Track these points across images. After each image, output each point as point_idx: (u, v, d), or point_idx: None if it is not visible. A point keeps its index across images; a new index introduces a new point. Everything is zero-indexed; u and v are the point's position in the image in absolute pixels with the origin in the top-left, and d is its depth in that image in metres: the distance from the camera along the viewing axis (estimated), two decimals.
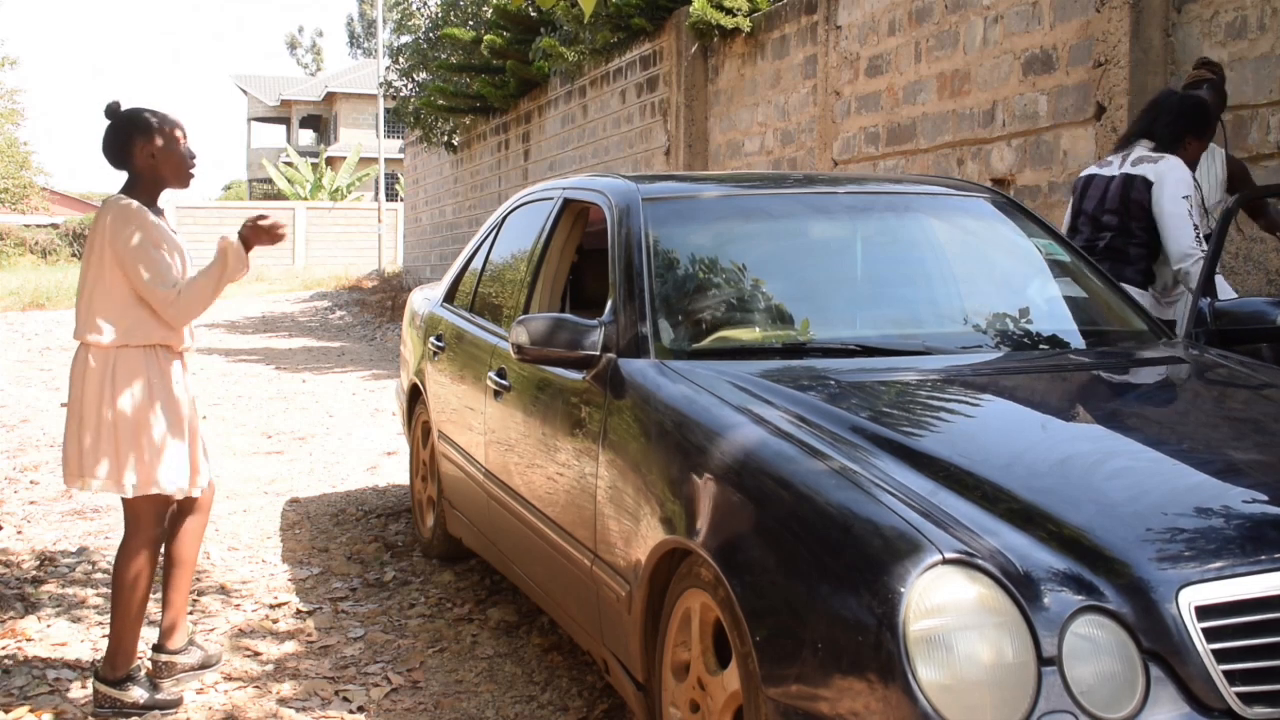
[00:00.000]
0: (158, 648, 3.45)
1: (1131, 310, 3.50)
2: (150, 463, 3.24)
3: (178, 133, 3.30)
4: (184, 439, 3.31)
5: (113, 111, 3.31)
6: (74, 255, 32.77)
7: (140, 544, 3.29)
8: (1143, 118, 4.46)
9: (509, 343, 3.26)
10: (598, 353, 3.07)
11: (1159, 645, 1.89)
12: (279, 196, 35.49)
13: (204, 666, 3.50)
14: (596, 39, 11.80)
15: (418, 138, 19.57)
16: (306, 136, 49.39)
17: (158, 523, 3.33)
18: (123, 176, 3.33)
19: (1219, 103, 4.63)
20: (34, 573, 4.61)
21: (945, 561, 1.92)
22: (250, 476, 6.52)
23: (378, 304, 19.67)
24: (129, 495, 3.24)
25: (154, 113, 3.31)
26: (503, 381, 3.72)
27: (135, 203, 3.25)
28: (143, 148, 3.25)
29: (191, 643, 3.52)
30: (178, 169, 3.31)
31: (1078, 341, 3.34)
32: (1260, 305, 3.91)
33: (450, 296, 4.91)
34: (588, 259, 4.45)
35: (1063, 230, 4.37)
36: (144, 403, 3.23)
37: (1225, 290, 4.37)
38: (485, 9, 15.56)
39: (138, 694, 3.28)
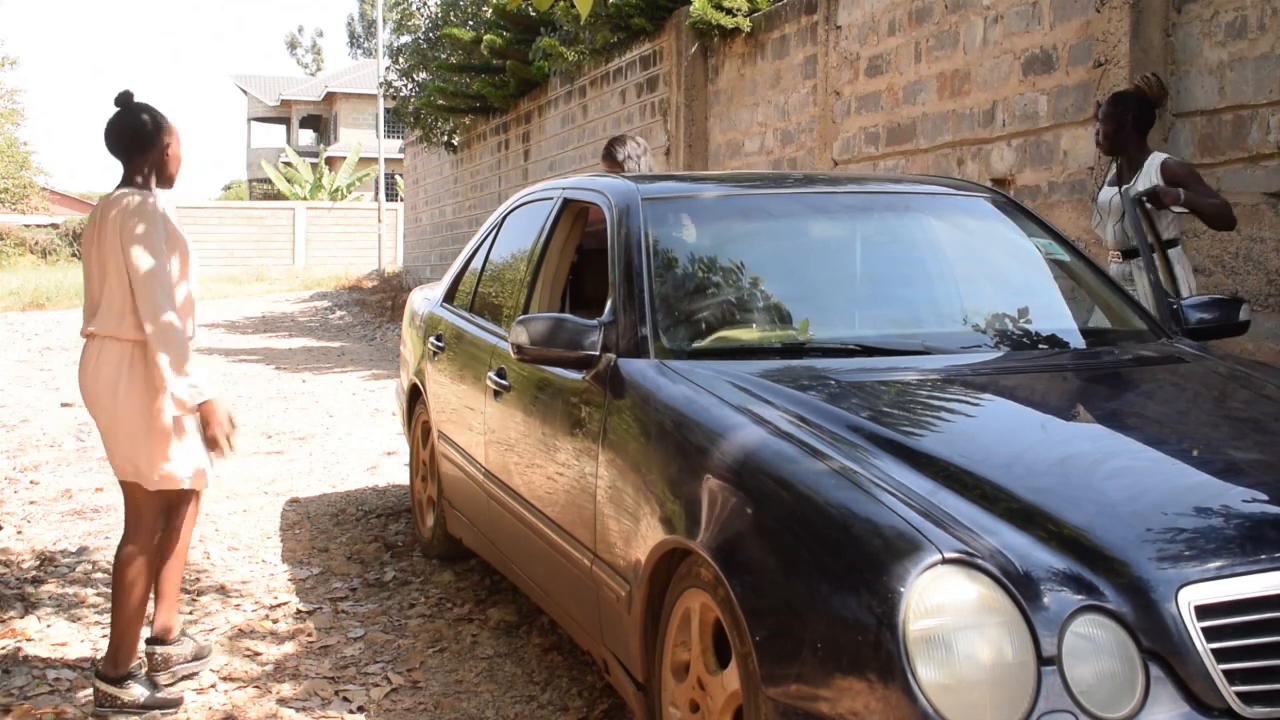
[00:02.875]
0: (152, 640, 3.46)
1: (1131, 310, 3.50)
2: (173, 456, 3.28)
3: (180, 134, 3.40)
4: (194, 431, 3.33)
5: (126, 101, 3.33)
6: (74, 255, 32.73)
7: (144, 540, 3.31)
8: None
9: (509, 343, 3.26)
10: (597, 353, 3.07)
11: (1159, 645, 1.89)
12: (279, 196, 35.46)
13: (198, 658, 3.51)
14: (596, 39, 11.80)
15: (418, 138, 19.57)
16: (306, 136, 49.38)
17: (160, 518, 3.34)
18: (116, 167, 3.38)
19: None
20: (34, 573, 4.61)
21: (945, 561, 1.92)
22: (250, 476, 6.52)
23: (378, 304, 19.66)
24: (154, 488, 3.27)
25: (163, 112, 3.38)
26: (503, 381, 3.72)
27: (154, 196, 3.28)
28: (161, 144, 3.32)
29: (183, 633, 3.54)
30: (174, 171, 3.38)
31: (1077, 341, 3.34)
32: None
33: (450, 296, 4.91)
34: (588, 259, 4.45)
35: None
36: (162, 396, 3.26)
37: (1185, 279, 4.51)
38: (485, 9, 15.56)
39: (138, 692, 3.28)
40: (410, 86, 18.17)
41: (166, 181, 3.38)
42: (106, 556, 4.86)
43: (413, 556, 4.94)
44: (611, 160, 5.46)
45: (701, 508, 2.42)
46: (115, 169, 3.38)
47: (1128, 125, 4.59)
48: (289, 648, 3.84)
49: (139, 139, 3.30)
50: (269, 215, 30.68)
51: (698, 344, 3.10)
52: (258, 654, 3.78)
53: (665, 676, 2.60)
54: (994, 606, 1.89)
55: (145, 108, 3.34)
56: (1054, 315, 3.49)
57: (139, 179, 3.31)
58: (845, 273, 3.52)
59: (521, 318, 3.17)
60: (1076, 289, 3.59)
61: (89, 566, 4.74)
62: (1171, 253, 4.55)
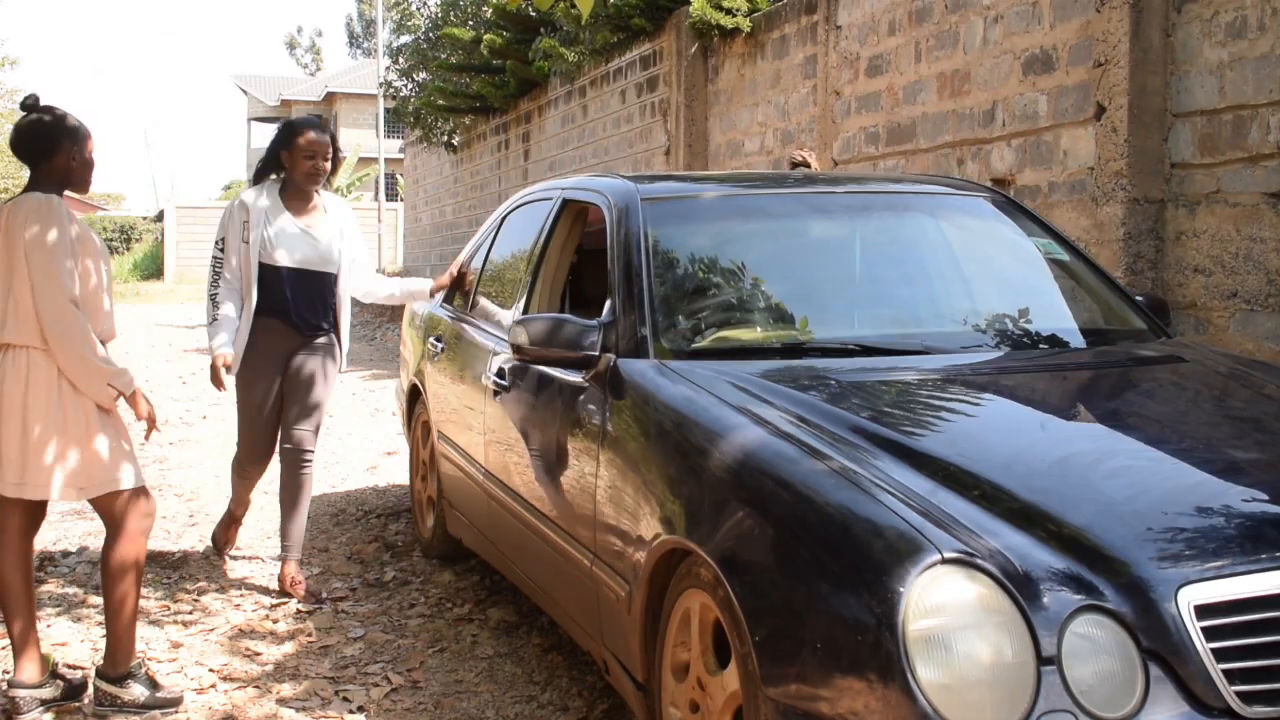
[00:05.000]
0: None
1: (1131, 310, 3.50)
2: (130, 453, 3.29)
3: (91, 142, 3.32)
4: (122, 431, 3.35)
5: (33, 105, 3.29)
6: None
7: (129, 539, 3.29)
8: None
9: (508, 343, 3.26)
10: (597, 353, 3.07)
11: (1158, 644, 1.89)
12: None
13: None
14: (596, 39, 11.80)
15: (418, 138, 19.57)
16: None
17: (146, 507, 3.34)
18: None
19: None
20: (34, 573, 4.60)
21: (945, 561, 1.92)
22: None
23: (378, 304, 19.64)
24: (131, 486, 3.25)
25: (75, 118, 3.31)
26: (502, 381, 3.72)
27: (57, 199, 3.22)
28: (67, 150, 3.25)
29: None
30: (85, 176, 3.33)
31: (1077, 341, 3.34)
32: None
33: (450, 297, 4.91)
34: (588, 259, 4.45)
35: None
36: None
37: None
38: (485, 9, 15.57)
39: (138, 691, 3.28)
40: (410, 86, 18.17)
41: (79, 186, 3.32)
42: None
43: (413, 556, 4.94)
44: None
45: (701, 508, 2.42)
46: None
47: None
48: (289, 648, 3.84)
49: (42, 145, 3.24)
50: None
51: (697, 344, 3.10)
52: (258, 654, 3.78)
53: (665, 676, 2.60)
54: (994, 606, 1.89)
55: (51, 112, 3.28)
56: (1054, 315, 3.49)
57: (46, 185, 3.24)
58: (845, 273, 3.51)
59: (521, 318, 3.16)
60: (1076, 289, 3.59)
61: (89, 567, 4.74)
62: None
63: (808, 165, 6.72)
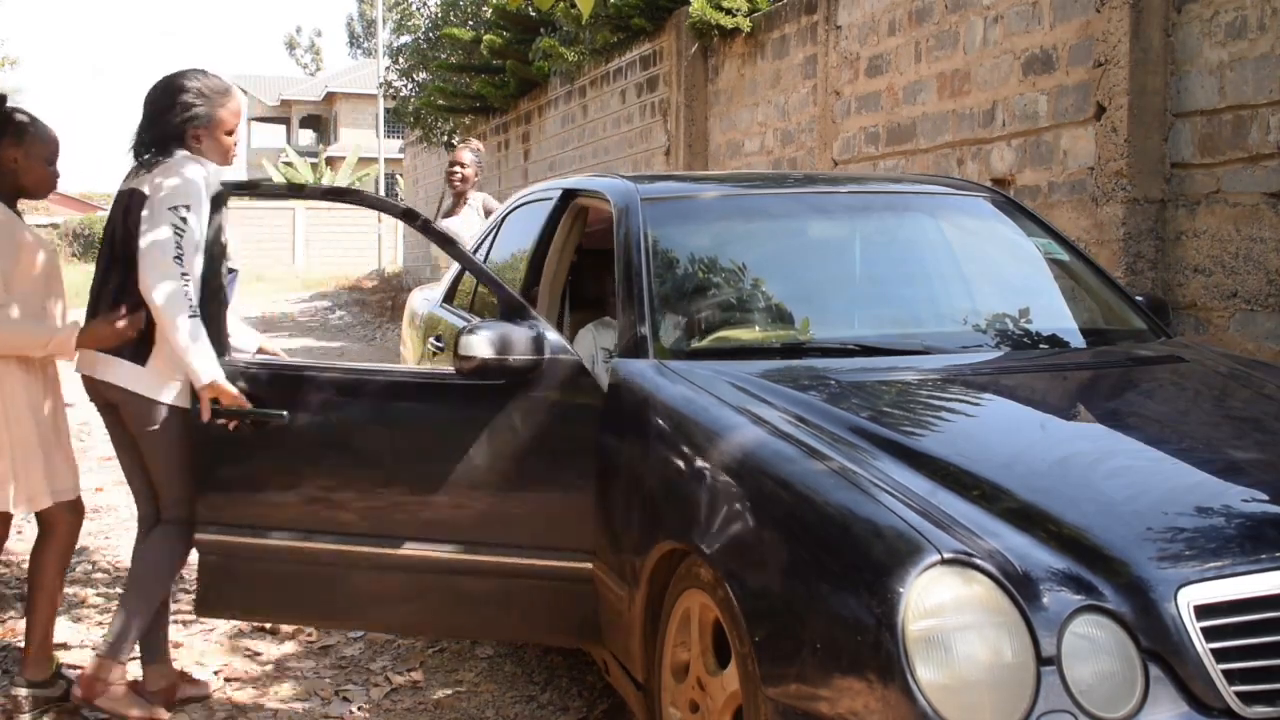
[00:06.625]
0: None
1: (1131, 310, 3.51)
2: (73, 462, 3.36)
3: (50, 148, 3.26)
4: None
5: None
6: (74, 255, 32.73)
7: (74, 537, 3.37)
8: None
9: (456, 356, 3.00)
10: (539, 356, 2.95)
11: (1158, 645, 1.89)
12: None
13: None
14: (596, 39, 11.81)
15: (418, 138, 19.57)
16: (306, 136, 49.36)
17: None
18: None
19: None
20: None
21: (944, 561, 1.92)
22: None
23: (378, 304, 19.65)
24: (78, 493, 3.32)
25: (32, 121, 3.25)
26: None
27: (3, 207, 3.19)
28: (8, 151, 3.20)
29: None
30: (38, 182, 3.26)
31: (1077, 341, 3.34)
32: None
33: (450, 297, 4.90)
34: (588, 259, 4.44)
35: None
36: (56, 405, 3.30)
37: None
38: (485, 9, 15.57)
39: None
40: (410, 86, 18.17)
41: (33, 193, 3.26)
42: (107, 556, 4.86)
43: None
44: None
45: (701, 508, 2.42)
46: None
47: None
48: (289, 648, 3.84)
49: None
50: (269, 215, 30.66)
51: (697, 344, 3.10)
52: (258, 654, 3.78)
53: (665, 677, 2.60)
54: (993, 607, 1.89)
55: (2, 118, 3.22)
56: (1054, 315, 3.49)
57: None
58: (845, 273, 3.52)
59: (472, 325, 3.01)
60: (1076, 289, 3.59)
61: (89, 566, 4.73)
62: None
63: (478, 151, 7.02)
